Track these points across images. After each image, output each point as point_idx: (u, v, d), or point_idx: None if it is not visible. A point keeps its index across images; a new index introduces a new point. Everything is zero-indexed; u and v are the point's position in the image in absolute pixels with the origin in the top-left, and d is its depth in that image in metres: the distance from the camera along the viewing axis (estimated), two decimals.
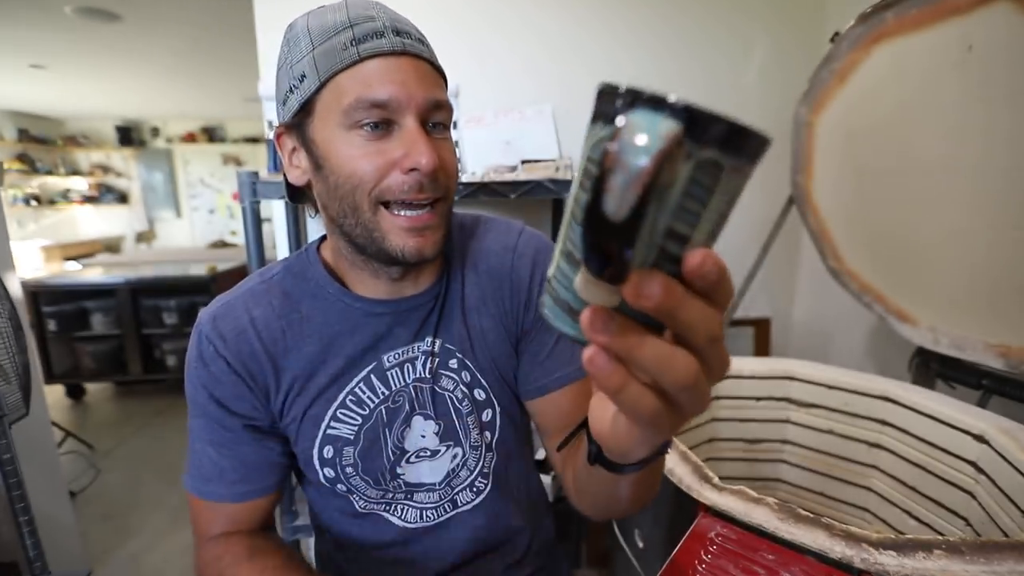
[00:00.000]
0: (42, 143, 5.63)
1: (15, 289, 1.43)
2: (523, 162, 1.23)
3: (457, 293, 0.57)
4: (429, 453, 0.57)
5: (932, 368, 1.05)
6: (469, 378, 0.57)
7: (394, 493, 0.58)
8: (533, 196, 1.17)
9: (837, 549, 0.45)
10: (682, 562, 0.48)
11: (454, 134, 1.44)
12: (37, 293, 2.80)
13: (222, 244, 5.51)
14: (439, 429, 0.57)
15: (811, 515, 0.50)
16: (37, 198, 5.61)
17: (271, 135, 1.31)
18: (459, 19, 1.40)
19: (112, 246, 6.27)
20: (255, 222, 1.04)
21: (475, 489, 0.60)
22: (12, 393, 1.23)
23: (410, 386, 0.56)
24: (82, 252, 5.41)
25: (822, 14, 1.54)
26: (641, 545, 0.67)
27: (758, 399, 0.93)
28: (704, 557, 0.48)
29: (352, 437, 0.54)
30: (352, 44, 0.45)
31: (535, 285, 0.58)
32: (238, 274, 3.08)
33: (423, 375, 0.56)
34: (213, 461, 0.54)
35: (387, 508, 0.59)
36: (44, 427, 1.57)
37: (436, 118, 0.48)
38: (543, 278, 0.56)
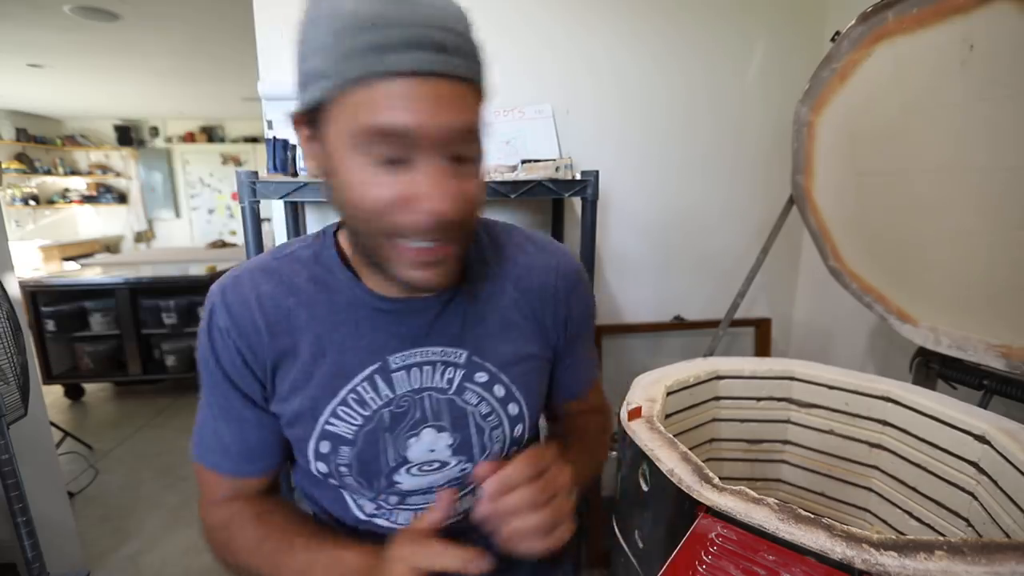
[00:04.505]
0: (41, 143, 5.63)
1: (13, 289, 1.43)
2: (523, 162, 1.22)
3: (494, 306, 0.55)
4: (437, 465, 0.55)
5: (933, 368, 1.05)
6: (503, 392, 0.55)
7: (387, 497, 0.56)
8: (533, 196, 1.17)
9: (838, 550, 0.45)
10: (682, 562, 0.48)
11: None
12: (36, 293, 2.79)
13: (221, 244, 5.51)
14: (454, 442, 0.54)
15: (812, 515, 0.49)
16: (36, 198, 5.61)
17: (271, 135, 1.31)
18: None
19: (111, 246, 6.27)
20: (254, 222, 1.04)
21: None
22: (10, 393, 1.23)
23: (419, 393, 0.53)
24: (81, 252, 5.42)
25: (823, 14, 1.54)
26: (641, 545, 0.67)
27: (758, 399, 0.93)
28: (704, 557, 0.48)
29: (351, 437, 0.52)
30: (375, 53, 0.37)
31: (573, 304, 0.59)
32: None
33: (440, 385, 0.53)
34: (218, 435, 0.54)
35: (377, 513, 0.57)
36: (43, 427, 1.56)
37: (463, 150, 0.41)
38: (582, 297, 0.60)
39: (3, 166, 5.15)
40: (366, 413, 0.52)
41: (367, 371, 0.52)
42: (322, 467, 0.53)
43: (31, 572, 1.23)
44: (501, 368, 0.55)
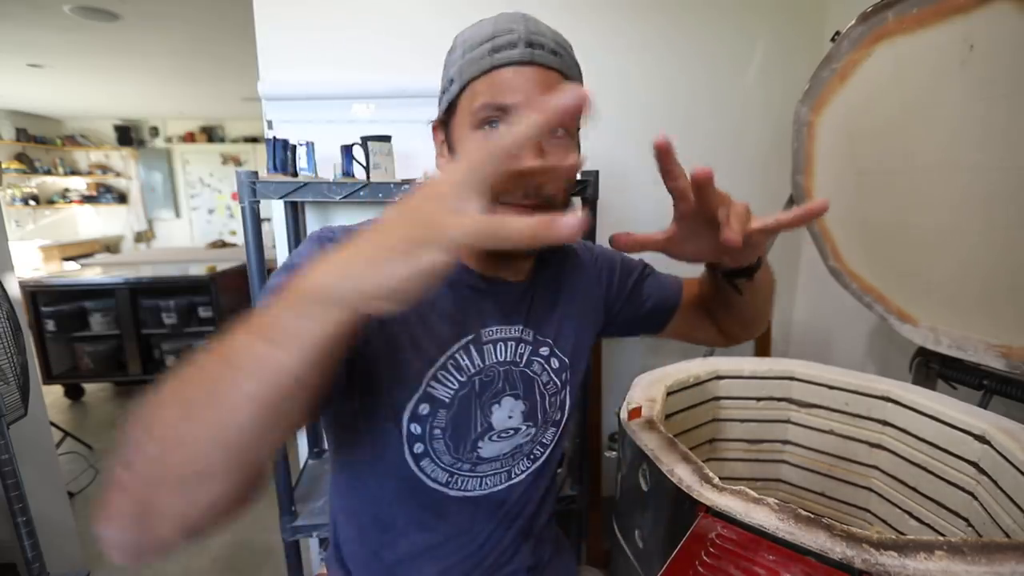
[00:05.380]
0: (41, 143, 5.63)
1: (13, 289, 1.43)
2: None
3: (548, 286, 0.65)
4: (511, 432, 0.61)
5: (933, 368, 1.05)
6: (558, 364, 0.64)
7: (462, 464, 0.60)
8: None
9: (838, 550, 0.45)
10: (682, 562, 0.48)
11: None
12: (36, 293, 2.79)
13: (221, 244, 5.51)
14: (526, 408, 0.62)
15: (812, 515, 0.49)
16: (36, 198, 5.61)
17: (271, 135, 1.31)
18: (459, 17, 1.40)
19: (111, 246, 6.27)
20: (254, 222, 1.04)
21: (532, 457, 0.65)
22: (10, 393, 1.23)
23: (504, 366, 0.60)
24: (81, 252, 5.41)
25: (823, 14, 1.53)
26: (641, 545, 0.67)
27: (759, 399, 0.93)
28: (704, 558, 0.48)
29: (448, 401, 0.57)
30: (489, 54, 0.50)
31: (609, 269, 0.71)
32: (238, 274, 3.08)
33: (515, 358, 0.61)
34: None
35: (449, 481, 0.60)
36: (42, 427, 1.56)
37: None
38: (622, 259, 0.73)
39: (3, 166, 5.15)
40: (462, 379, 0.57)
41: (463, 340, 0.57)
42: (416, 428, 0.56)
43: (31, 572, 1.23)
44: (556, 343, 0.64)
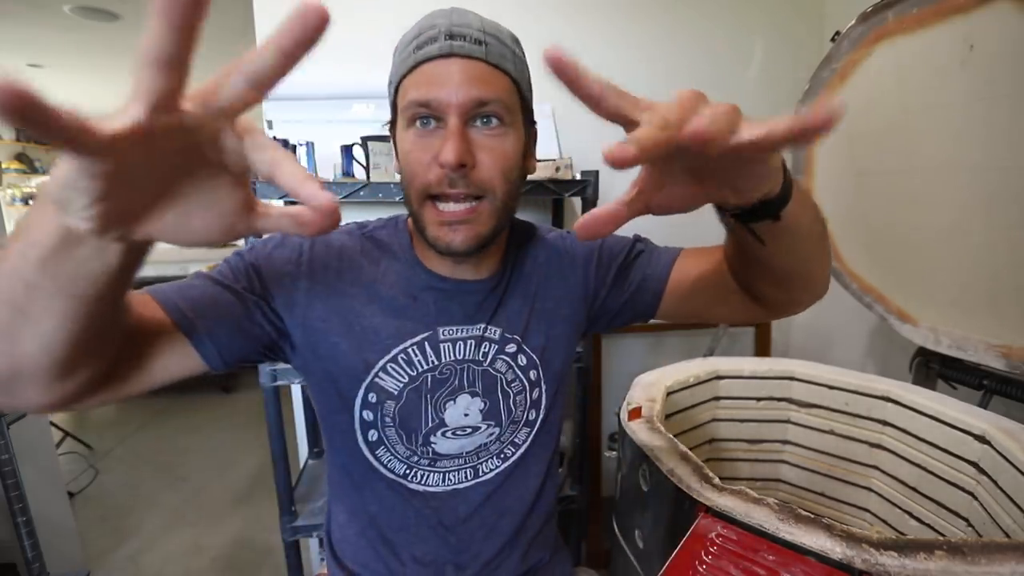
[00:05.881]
0: (41, 143, 5.62)
1: None
2: None
3: (518, 282, 0.63)
4: (470, 430, 0.61)
5: (933, 368, 1.05)
6: (525, 361, 0.63)
7: (419, 458, 0.61)
8: (533, 196, 1.17)
9: (838, 550, 0.45)
10: (682, 562, 0.48)
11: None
12: None
13: (222, 244, 5.51)
14: (484, 407, 0.61)
15: (811, 515, 0.49)
16: (36, 198, 5.60)
17: (271, 135, 1.31)
18: None
19: None
20: None
21: (503, 456, 0.65)
22: None
23: (461, 364, 0.60)
24: None
25: (823, 13, 1.53)
26: (641, 545, 0.67)
27: (759, 399, 0.93)
28: (704, 557, 0.48)
29: (396, 392, 0.58)
30: (413, 52, 0.50)
31: (593, 253, 0.66)
32: None
33: (476, 357, 0.60)
34: (187, 285, 0.51)
35: (407, 473, 0.61)
36: (42, 427, 1.56)
37: (484, 113, 0.50)
38: (603, 243, 0.67)
39: (3, 166, 5.15)
40: (412, 373, 0.58)
41: (418, 337, 0.58)
42: (368, 415, 0.58)
43: (31, 572, 1.23)
44: (525, 340, 0.63)
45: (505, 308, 0.62)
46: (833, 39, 1.03)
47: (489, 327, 0.61)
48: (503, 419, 0.62)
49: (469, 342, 0.60)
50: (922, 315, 1.00)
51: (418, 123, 0.50)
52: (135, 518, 1.94)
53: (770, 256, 0.46)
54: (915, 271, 1.00)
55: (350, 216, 1.42)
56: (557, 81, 0.28)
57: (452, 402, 0.60)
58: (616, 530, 0.76)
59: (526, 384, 0.63)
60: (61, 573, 1.56)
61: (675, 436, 0.66)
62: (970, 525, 0.71)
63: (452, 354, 0.59)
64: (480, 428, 0.61)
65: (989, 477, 0.68)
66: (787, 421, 0.94)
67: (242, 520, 1.92)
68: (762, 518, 0.50)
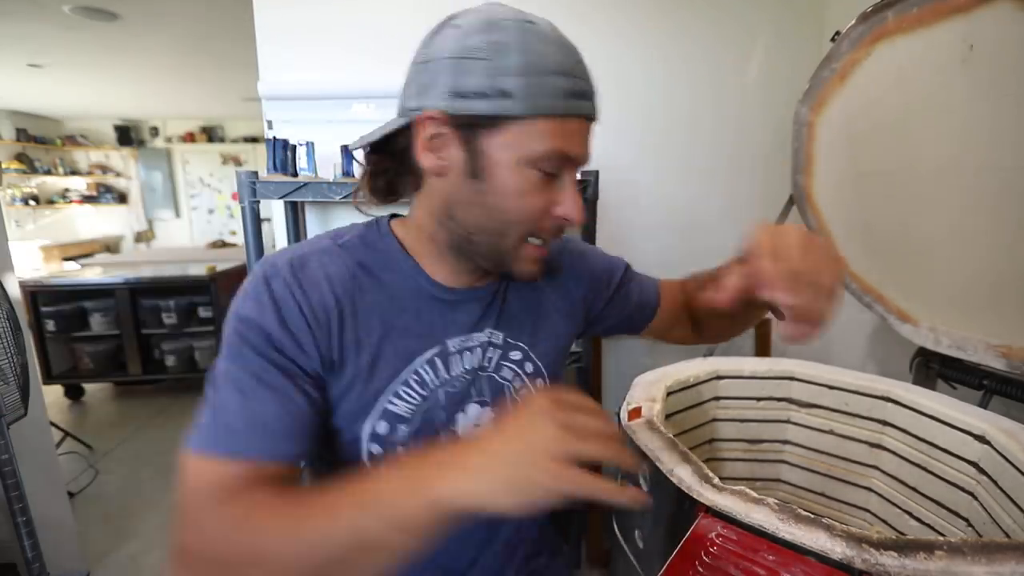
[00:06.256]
0: (41, 143, 5.63)
1: (13, 289, 1.43)
2: None
3: (523, 289, 0.64)
4: None
5: (933, 368, 1.05)
6: (532, 368, 0.63)
7: None
8: None
9: (838, 549, 0.45)
10: (682, 562, 0.48)
11: None
12: (36, 293, 2.79)
13: (221, 244, 5.51)
14: (494, 417, 0.61)
15: (811, 515, 0.49)
16: (36, 198, 5.61)
17: (271, 135, 1.31)
18: None
19: (111, 246, 6.27)
20: (254, 222, 1.04)
21: None
22: (10, 393, 1.23)
23: (468, 374, 0.59)
24: (81, 252, 5.41)
25: (822, 13, 1.53)
26: (641, 545, 0.67)
27: (759, 399, 0.93)
28: (704, 558, 0.48)
29: (408, 416, 0.55)
30: (565, 97, 0.47)
31: (589, 265, 0.71)
32: (238, 274, 3.08)
33: (482, 363, 0.60)
34: (250, 412, 0.46)
35: None
36: (42, 428, 1.56)
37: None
38: (592, 255, 0.74)
39: (3, 166, 5.15)
40: (424, 393, 0.56)
41: (428, 354, 0.56)
42: (375, 448, 0.54)
43: (31, 572, 1.23)
44: (531, 347, 0.63)
45: (508, 313, 0.62)
46: (833, 39, 1.03)
47: (494, 332, 0.61)
48: None
49: (476, 349, 0.60)
50: (922, 315, 1.00)
51: (545, 169, 0.49)
52: (135, 518, 1.94)
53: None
54: (915, 271, 1.00)
55: (350, 216, 1.43)
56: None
57: (462, 412, 0.59)
58: (616, 530, 0.76)
59: (532, 391, 0.63)
60: (61, 573, 1.56)
61: (675, 436, 0.66)
62: (970, 525, 0.71)
63: (462, 365, 0.59)
64: None
65: (989, 477, 0.68)
66: (787, 421, 0.94)
67: None
68: (762, 518, 0.50)
